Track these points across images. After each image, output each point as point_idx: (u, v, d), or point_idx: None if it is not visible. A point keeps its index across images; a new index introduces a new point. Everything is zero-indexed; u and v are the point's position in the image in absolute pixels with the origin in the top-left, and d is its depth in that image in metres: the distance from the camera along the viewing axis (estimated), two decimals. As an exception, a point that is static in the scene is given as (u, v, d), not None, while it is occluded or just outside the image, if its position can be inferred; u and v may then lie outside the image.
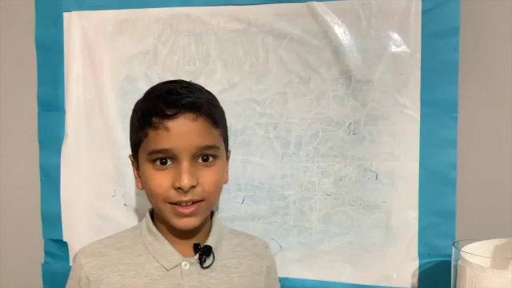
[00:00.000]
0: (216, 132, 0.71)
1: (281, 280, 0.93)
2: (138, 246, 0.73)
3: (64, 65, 0.99)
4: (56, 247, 1.02)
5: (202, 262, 0.71)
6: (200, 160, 0.69)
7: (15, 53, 1.06)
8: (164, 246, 0.72)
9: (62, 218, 1.01)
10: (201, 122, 0.68)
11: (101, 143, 0.98)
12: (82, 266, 0.72)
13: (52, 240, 1.02)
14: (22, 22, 1.03)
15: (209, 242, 0.73)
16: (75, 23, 0.98)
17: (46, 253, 1.03)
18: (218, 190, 0.73)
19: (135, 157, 0.74)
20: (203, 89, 0.74)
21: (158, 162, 0.68)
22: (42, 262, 1.04)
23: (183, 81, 0.73)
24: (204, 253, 0.72)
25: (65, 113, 1.00)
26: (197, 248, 0.72)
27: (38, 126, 1.02)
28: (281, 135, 0.93)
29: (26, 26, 1.02)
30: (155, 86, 0.73)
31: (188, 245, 0.73)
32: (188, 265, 0.71)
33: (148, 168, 0.69)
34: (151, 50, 0.96)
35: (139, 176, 0.73)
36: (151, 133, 0.67)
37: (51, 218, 1.01)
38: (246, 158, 0.94)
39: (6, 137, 1.08)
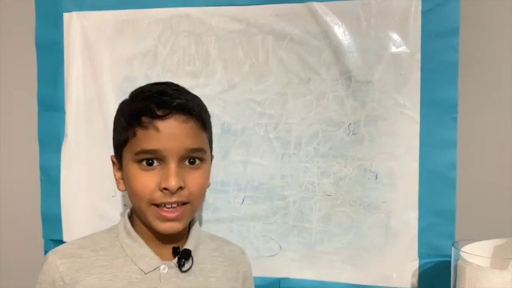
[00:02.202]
0: (204, 135, 0.71)
1: (281, 280, 0.93)
2: (115, 248, 0.71)
3: (64, 65, 0.99)
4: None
5: (180, 265, 0.70)
6: (187, 162, 0.68)
7: (15, 53, 1.06)
8: (142, 249, 0.70)
9: (62, 218, 1.01)
10: (191, 125, 0.68)
11: (101, 143, 0.98)
12: (56, 267, 0.69)
13: (52, 240, 1.02)
14: (22, 22, 1.03)
15: (187, 246, 0.72)
16: (75, 23, 0.98)
17: (46, 253, 1.03)
18: (203, 193, 0.72)
19: (118, 157, 0.72)
20: (191, 92, 0.73)
21: (144, 163, 0.67)
22: (43, 262, 1.04)
23: (172, 83, 0.72)
24: (183, 256, 0.71)
25: (65, 113, 1.00)
26: (176, 251, 0.71)
27: (38, 126, 1.02)
28: (281, 135, 0.93)
29: (26, 27, 1.02)
30: (143, 87, 0.72)
31: (167, 248, 0.71)
32: (166, 268, 0.70)
33: (133, 168, 0.67)
34: (151, 50, 0.96)
35: (122, 177, 0.72)
36: (140, 132, 0.66)
37: (51, 218, 1.01)
38: (246, 159, 0.94)
39: (6, 137, 1.08)
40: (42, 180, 1.02)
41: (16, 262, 1.09)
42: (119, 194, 0.98)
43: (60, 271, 0.69)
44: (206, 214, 0.96)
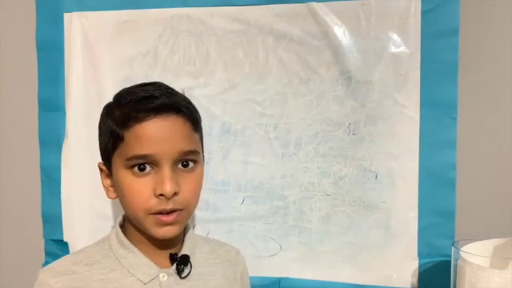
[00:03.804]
0: (196, 136, 0.69)
1: (281, 280, 0.94)
2: (109, 260, 0.68)
3: (64, 65, 0.99)
4: (57, 247, 1.02)
5: (179, 272, 0.69)
6: (180, 165, 0.66)
7: (15, 53, 1.06)
8: (139, 259, 0.68)
9: (63, 218, 1.01)
10: (182, 126, 0.66)
11: (101, 143, 0.98)
12: (50, 287, 0.65)
13: (52, 240, 1.02)
14: (23, 23, 1.03)
15: (184, 251, 0.71)
16: (76, 24, 0.98)
17: (47, 253, 1.03)
18: (197, 197, 0.70)
19: (106, 164, 0.69)
20: (179, 92, 0.70)
21: (136, 168, 0.64)
22: (43, 262, 1.04)
23: (159, 83, 0.70)
24: (181, 262, 0.69)
25: (65, 113, 1.00)
26: (173, 258, 0.70)
27: (38, 126, 1.02)
28: (281, 135, 0.93)
29: (26, 27, 1.02)
30: (128, 89, 0.68)
31: (163, 255, 0.70)
32: (166, 276, 0.68)
33: (126, 175, 0.65)
34: (151, 50, 0.96)
35: (111, 185, 0.70)
36: (129, 137, 0.64)
37: (52, 219, 1.01)
38: (246, 159, 0.94)
39: (6, 137, 1.09)
40: (42, 180, 1.02)
41: (16, 261, 1.09)
42: (119, 193, 0.98)
43: None
44: (206, 214, 0.96)
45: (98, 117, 0.97)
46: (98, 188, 0.98)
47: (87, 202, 1.00)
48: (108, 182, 0.71)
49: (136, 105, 0.64)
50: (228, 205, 0.95)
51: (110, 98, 0.96)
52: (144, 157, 0.63)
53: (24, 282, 1.07)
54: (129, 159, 0.64)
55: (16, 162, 1.08)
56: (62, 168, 1.00)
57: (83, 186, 1.00)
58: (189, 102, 0.69)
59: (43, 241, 1.03)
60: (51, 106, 1.01)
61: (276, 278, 0.94)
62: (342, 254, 0.92)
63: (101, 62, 0.98)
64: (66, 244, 1.01)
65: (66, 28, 0.99)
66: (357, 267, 0.91)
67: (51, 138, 1.01)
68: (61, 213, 1.01)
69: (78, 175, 1.00)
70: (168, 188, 0.63)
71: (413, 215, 0.88)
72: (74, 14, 0.98)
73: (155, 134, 0.63)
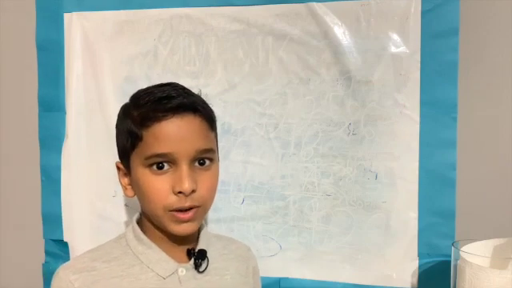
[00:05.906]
0: (212, 135, 0.71)
1: (281, 280, 0.94)
2: (128, 256, 0.70)
3: (64, 65, 0.99)
4: (56, 247, 1.02)
5: (197, 266, 0.70)
6: (196, 164, 0.67)
7: (15, 53, 1.06)
8: (158, 254, 0.70)
9: (63, 218, 1.01)
10: (199, 125, 0.67)
11: (101, 143, 0.98)
12: (71, 283, 0.66)
13: (52, 240, 1.02)
14: (23, 23, 1.03)
15: (201, 246, 0.73)
16: (75, 24, 0.98)
17: (47, 253, 1.03)
18: (214, 194, 0.72)
19: (125, 163, 0.71)
20: (195, 93, 0.72)
21: (154, 167, 0.66)
22: (43, 261, 1.04)
23: (175, 83, 0.71)
24: (199, 257, 0.71)
25: (65, 113, 1.00)
26: (190, 253, 0.71)
27: (38, 126, 1.02)
28: (281, 136, 0.93)
29: (26, 27, 1.02)
30: (145, 89, 0.70)
31: (180, 251, 0.71)
32: (184, 271, 0.69)
33: (145, 173, 0.66)
34: (151, 50, 0.96)
35: (129, 183, 0.71)
36: (148, 137, 0.65)
37: (52, 218, 1.02)
38: (246, 159, 0.94)
39: (6, 137, 1.09)
40: (42, 180, 1.02)
41: (16, 261, 1.09)
42: (119, 193, 0.99)
43: (76, 287, 0.66)
44: (207, 214, 0.96)
45: (98, 117, 0.98)
46: (98, 188, 0.99)
47: (87, 202, 1.00)
48: (126, 180, 0.72)
49: (154, 105, 0.66)
50: (228, 205, 0.96)
51: (110, 98, 0.98)
52: (163, 155, 0.65)
53: (24, 282, 1.08)
54: (147, 158, 0.66)
55: (16, 162, 1.08)
56: (62, 168, 1.00)
57: (83, 186, 1.00)
58: (204, 102, 0.71)
59: (43, 241, 1.03)
60: (51, 106, 1.01)
61: (276, 278, 0.94)
62: (342, 254, 0.92)
63: (101, 62, 0.98)
64: (66, 244, 1.01)
65: (66, 28, 0.99)
66: (357, 267, 0.91)
67: (51, 138, 1.01)
68: (61, 213, 1.01)
69: (78, 175, 1.00)
70: (186, 185, 0.64)
71: (413, 215, 0.88)
72: (74, 14, 0.98)
73: (173, 133, 0.65)
